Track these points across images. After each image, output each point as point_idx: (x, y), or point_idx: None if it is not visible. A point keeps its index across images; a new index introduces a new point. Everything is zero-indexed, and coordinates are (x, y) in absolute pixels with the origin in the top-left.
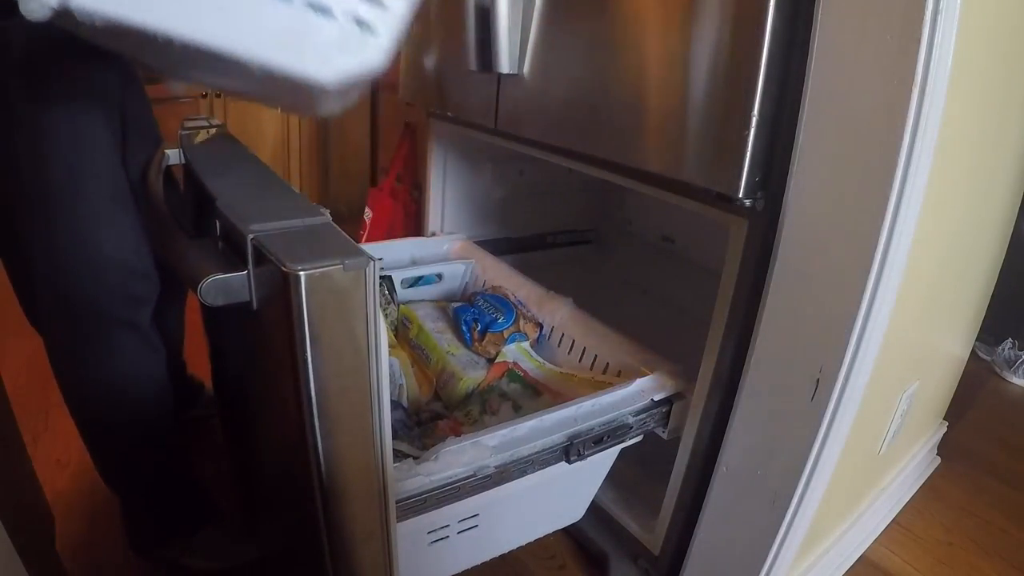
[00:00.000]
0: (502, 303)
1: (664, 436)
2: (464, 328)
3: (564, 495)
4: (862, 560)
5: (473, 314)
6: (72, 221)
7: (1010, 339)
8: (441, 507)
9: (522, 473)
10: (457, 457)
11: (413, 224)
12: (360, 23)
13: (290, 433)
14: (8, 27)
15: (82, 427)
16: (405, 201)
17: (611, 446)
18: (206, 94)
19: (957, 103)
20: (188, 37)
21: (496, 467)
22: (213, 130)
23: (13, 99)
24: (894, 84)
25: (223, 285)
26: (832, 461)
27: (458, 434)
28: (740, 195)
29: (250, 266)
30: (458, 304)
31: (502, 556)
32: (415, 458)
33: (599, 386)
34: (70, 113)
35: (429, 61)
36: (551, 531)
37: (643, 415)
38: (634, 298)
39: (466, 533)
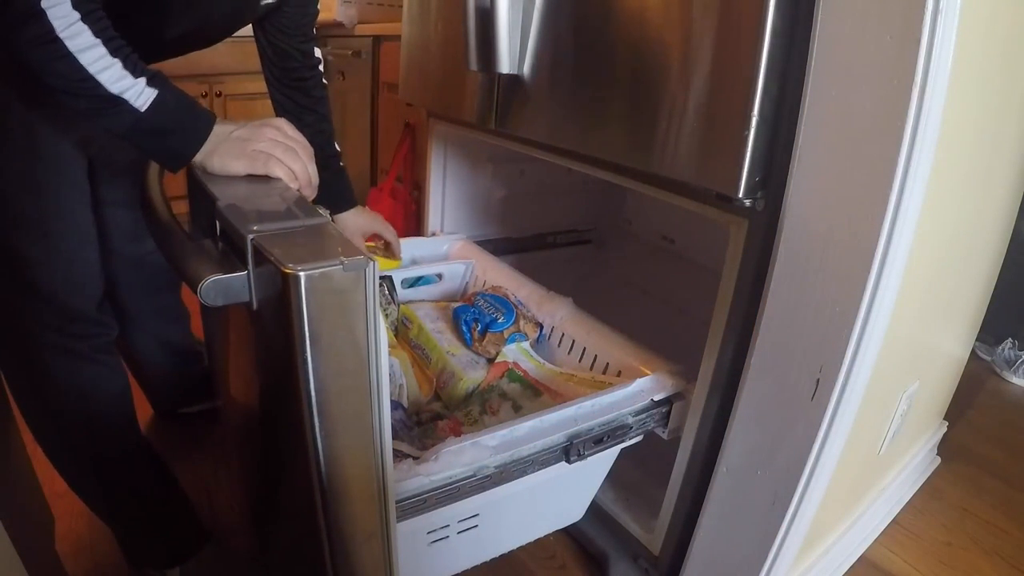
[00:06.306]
0: (502, 303)
1: (664, 436)
2: (464, 328)
3: (564, 495)
4: (862, 560)
5: (473, 314)
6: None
7: (1010, 339)
8: (441, 507)
9: (522, 473)
10: (457, 457)
11: (413, 224)
12: None
13: (290, 433)
14: None
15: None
16: (405, 201)
17: (611, 446)
18: (206, 94)
19: (957, 103)
20: None
21: (496, 467)
22: None
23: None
24: (894, 84)
25: (223, 285)
26: (832, 461)
27: (458, 434)
28: (740, 195)
29: (250, 266)
30: (458, 304)
31: (502, 556)
32: (415, 458)
33: (599, 386)
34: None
35: (429, 61)
36: (551, 531)
37: (643, 415)
38: (634, 298)
39: (466, 533)
